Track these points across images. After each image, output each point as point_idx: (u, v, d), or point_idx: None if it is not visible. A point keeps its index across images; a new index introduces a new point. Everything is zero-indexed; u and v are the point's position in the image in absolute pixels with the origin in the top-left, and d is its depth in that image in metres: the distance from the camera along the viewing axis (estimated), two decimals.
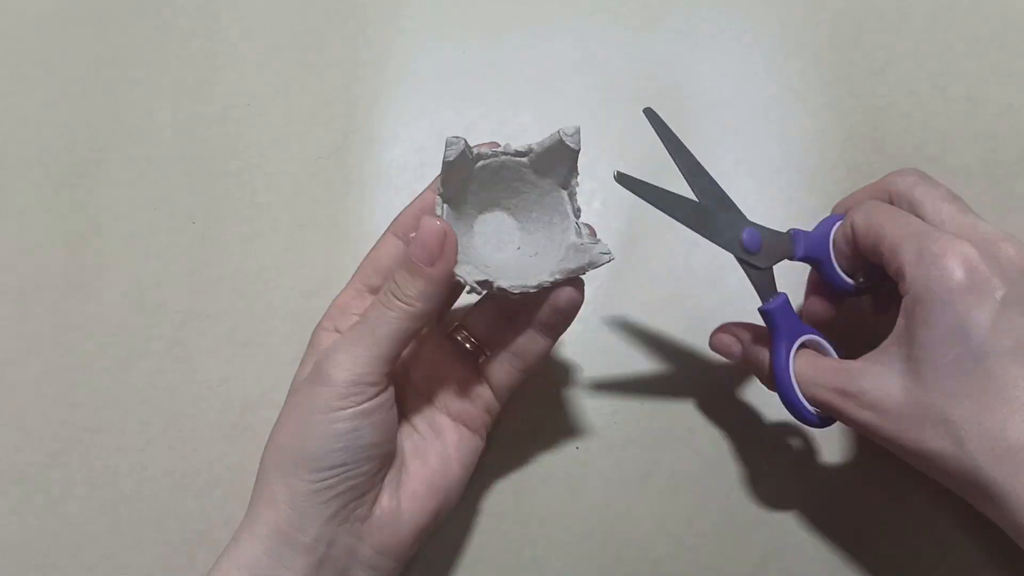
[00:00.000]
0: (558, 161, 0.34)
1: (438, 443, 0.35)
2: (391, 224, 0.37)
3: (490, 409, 0.36)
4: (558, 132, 0.33)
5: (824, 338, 0.36)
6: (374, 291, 0.35)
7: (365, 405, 0.31)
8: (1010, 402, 0.28)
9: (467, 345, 0.37)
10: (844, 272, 0.36)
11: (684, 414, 0.41)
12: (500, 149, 0.34)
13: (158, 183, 0.46)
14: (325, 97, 0.47)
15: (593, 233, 0.34)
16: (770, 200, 0.44)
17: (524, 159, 0.34)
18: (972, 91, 0.45)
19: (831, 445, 0.41)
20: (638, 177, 0.33)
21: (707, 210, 0.34)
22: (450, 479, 0.35)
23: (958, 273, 0.29)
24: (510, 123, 0.47)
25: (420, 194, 0.37)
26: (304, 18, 0.49)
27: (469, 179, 0.34)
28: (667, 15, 0.48)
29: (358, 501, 0.32)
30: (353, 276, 0.37)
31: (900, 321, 0.31)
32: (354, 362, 0.31)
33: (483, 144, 0.35)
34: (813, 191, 0.44)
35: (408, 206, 0.36)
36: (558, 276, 0.33)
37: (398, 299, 0.31)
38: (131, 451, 0.42)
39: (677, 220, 0.34)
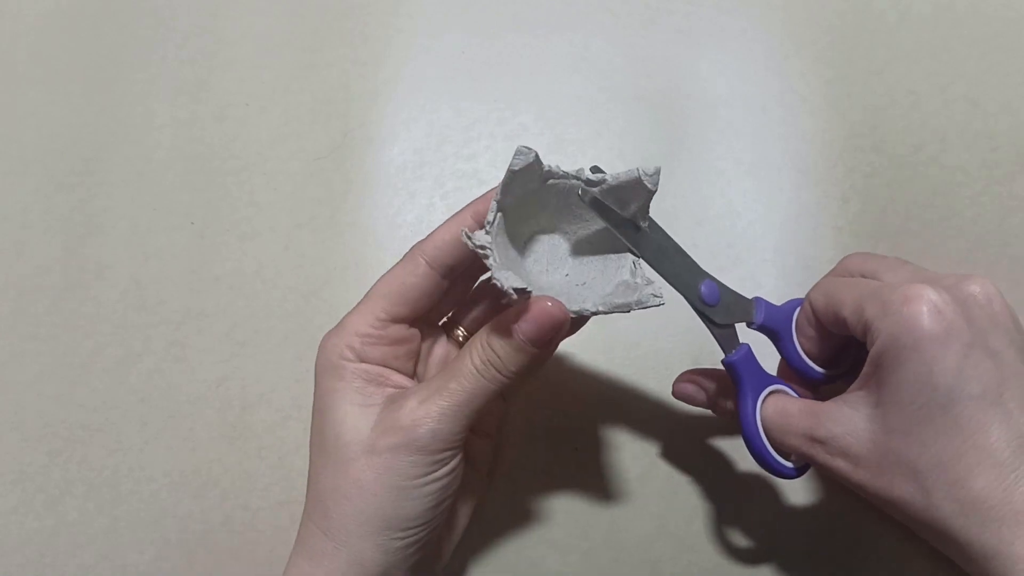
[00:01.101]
0: (630, 197, 0.32)
1: (472, 456, 0.35)
2: (418, 246, 0.33)
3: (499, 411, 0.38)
4: (636, 170, 0.31)
5: (792, 388, 0.35)
6: (397, 319, 0.33)
7: (452, 463, 0.31)
8: (977, 450, 0.28)
9: (460, 339, 0.36)
10: (810, 358, 0.35)
11: (684, 414, 0.41)
12: (573, 172, 0.32)
13: (157, 183, 0.46)
14: (324, 97, 0.47)
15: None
16: (769, 200, 0.44)
17: (595, 189, 0.32)
18: (972, 91, 0.45)
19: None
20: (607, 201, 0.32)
21: (666, 252, 0.33)
22: (478, 482, 0.36)
23: (924, 319, 0.29)
24: (509, 123, 0.47)
25: (453, 216, 0.33)
26: (303, 18, 0.49)
27: (532, 194, 0.32)
28: (667, 15, 0.48)
29: (431, 542, 0.33)
30: (370, 298, 0.33)
31: (867, 368, 0.31)
32: (449, 430, 0.30)
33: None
34: (813, 191, 0.44)
35: (438, 229, 0.33)
36: (601, 308, 0.31)
37: (498, 371, 0.30)
38: (130, 451, 0.42)
39: (635, 251, 0.33)
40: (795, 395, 0.34)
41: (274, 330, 0.43)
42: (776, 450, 0.33)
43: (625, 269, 0.33)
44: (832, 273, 0.36)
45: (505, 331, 0.30)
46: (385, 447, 0.30)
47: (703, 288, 0.34)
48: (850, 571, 0.39)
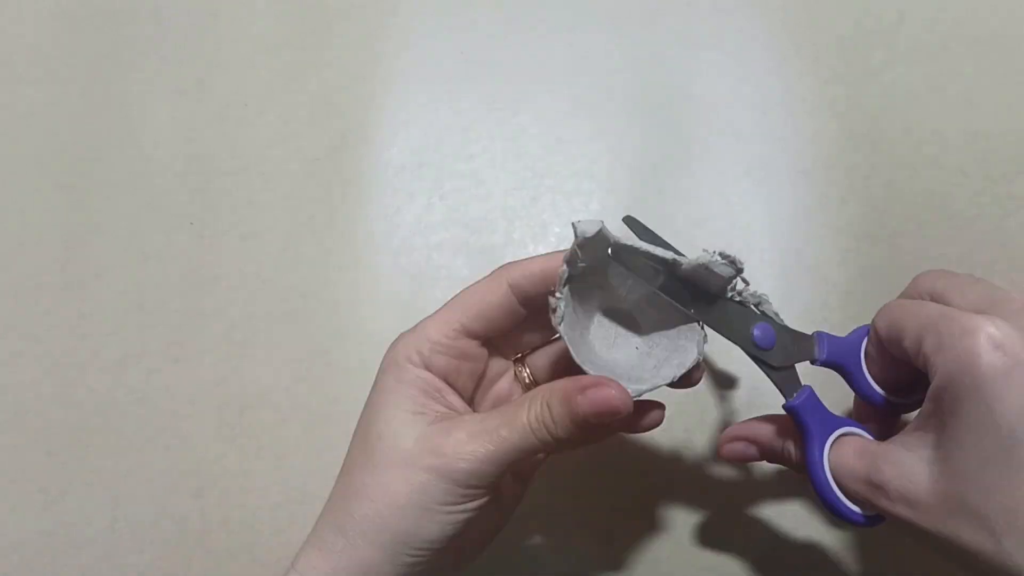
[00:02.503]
0: (705, 282, 0.31)
1: (499, 498, 0.34)
2: (505, 268, 0.33)
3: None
4: (714, 257, 0.30)
5: (865, 429, 0.32)
6: (470, 333, 0.33)
7: (481, 500, 0.31)
8: None
9: (527, 380, 0.36)
10: (884, 388, 0.33)
11: (684, 414, 0.41)
12: (644, 249, 0.31)
13: (156, 183, 0.46)
14: (323, 97, 0.47)
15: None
16: (769, 200, 0.44)
17: (662, 272, 0.31)
18: (970, 92, 0.45)
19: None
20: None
21: (714, 301, 0.31)
22: (502, 522, 0.36)
23: (983, 355, 0.27)
24: (508, 123, 0.47)
25: (549, 254, 0.33)
26: (301, 19, 0.49)
27: (601, 265, 0.32)
28: (667, 15, 0.48)
29: (443, 566, 0.33)
30: (448, 308, 0.33)
31: (926, 406, 0.29)
32: (488, 472, 0.30)
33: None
34: (812, 191, 0.44)
35: (531, 258, 0.33)
36: (659, 382, 0.31)
37: (549, 434, 0.30)
38: (129, 451, 0.42)
39: (677, 303, 0.31)
40: (866, 435, 0.32)
41: (273, 330, 0.43)
42: (848, 498, 0.31)
43: (693, 344, 0.32)
44: (903, 293, 0.34)
45: (566, 398, 0.30)
46: (424, 467, 0.30)
47: (756, 332, 0.32)
48: (852, 570, 0.39)
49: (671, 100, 0.46)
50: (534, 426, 0.30)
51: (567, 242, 0.44)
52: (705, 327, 0.32)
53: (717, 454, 0.35)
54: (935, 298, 0.32)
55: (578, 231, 0.29)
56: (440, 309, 0.33)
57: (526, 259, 0.33)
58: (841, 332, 0.34)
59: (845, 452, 0.31)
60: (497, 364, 0.35)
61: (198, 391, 0.43)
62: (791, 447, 0.33)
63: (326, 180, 0.46)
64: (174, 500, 0.41)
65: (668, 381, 0.31)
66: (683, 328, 0.32)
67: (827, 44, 0.47)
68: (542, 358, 0.36)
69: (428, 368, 0.32)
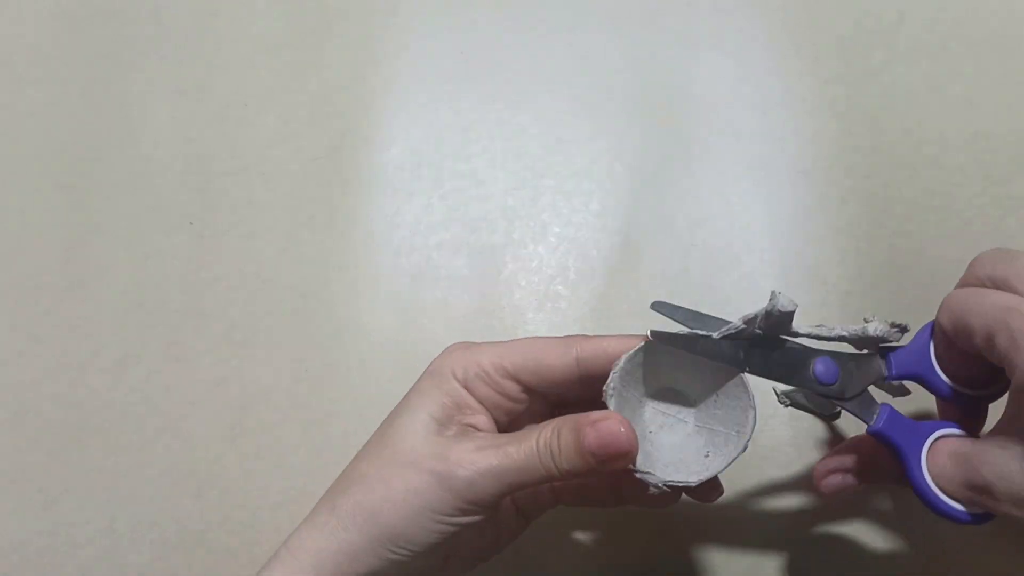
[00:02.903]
0: (775, 327, 0.31)
1: (496, 523, 0.35)
2: (582, 338, 0.33)
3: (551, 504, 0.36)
4: (774, 299, 0.29)
5: (956, 426, 0.31)
6: (519, 381, 0.33)
7: (473, 519, 0.31)
8: None
9: None
10: (962, 384, 0.32)
11: None
12: (687, 332, 0.31)
13: (156, 183, 0.46)
14: (322, 97, 0.47)
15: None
16: (769, 200, 0.44)
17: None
18: (970, 92, 0.45)
19: (826, 445, 0.41)
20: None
21: (768, 347, 0.30)
22: (495, 549, 0.35)
23: None
24: (508, 123, 0.47)
25: (625, 335, 0.32)
26: (301, 19, 0.49)
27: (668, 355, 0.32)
28: (667, 15, 0.48)
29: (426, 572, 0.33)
30: (511, 347, 0.33)
31: (1011, 405, 0.29)
32: (486, 488, 0.30)
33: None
34: (812, 191, 0.44)
35: (609, 338, 0.33)
36: (691, 479, 0.31)
37: (553, 462, 0.30)
38: (129, 451, 0.42)
39: (721, 360, 0.31)
40: (958, 431, 0.31)
41: (273, 330, 0.43)
42: (953, 500, 0.30)
43: (747, 418, 0.31)
44: (961, 281, 0.32)
45: (577, 427, 0.30)
46: (425, 469, 0.31)
47: (818, 369, 0.31)
48: (851, 570, 0.39)
49: (671, 100, 0.46)
50: (541, 450, 0.30)
51: (567, 242, 0.44)
52: (752, 379, 0.31)
53: (817, 489, 0.34)
54: (996, 285, 0.30)
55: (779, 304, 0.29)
56: (505, 342, 0.34)
57: (601, 337, 0.33)
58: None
59: (941, 461, 0.30)
60: (538, 403, 0.35)
61: (198, 391, 0.43)
62: (887, 465, 0.32)
63: (326, 180, 0.46)
64: (174, 500, 0.41)
65: (702, 478, 0.31)
66: (731, 387, 0.31)
67: (827, 44, 0.47)
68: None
69: (467, 388, 0.33)
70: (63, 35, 0.49)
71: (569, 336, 0.33)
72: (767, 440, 0.41)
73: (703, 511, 0.40)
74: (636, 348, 0.31)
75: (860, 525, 0.39)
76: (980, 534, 0.36)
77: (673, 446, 0.33)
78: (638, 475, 0.30)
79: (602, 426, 0.29)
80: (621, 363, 0.31)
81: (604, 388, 0.31)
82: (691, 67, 0.47)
